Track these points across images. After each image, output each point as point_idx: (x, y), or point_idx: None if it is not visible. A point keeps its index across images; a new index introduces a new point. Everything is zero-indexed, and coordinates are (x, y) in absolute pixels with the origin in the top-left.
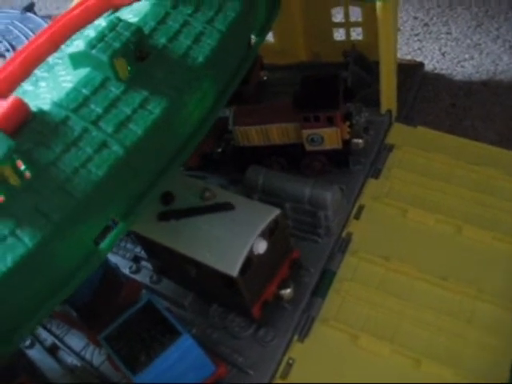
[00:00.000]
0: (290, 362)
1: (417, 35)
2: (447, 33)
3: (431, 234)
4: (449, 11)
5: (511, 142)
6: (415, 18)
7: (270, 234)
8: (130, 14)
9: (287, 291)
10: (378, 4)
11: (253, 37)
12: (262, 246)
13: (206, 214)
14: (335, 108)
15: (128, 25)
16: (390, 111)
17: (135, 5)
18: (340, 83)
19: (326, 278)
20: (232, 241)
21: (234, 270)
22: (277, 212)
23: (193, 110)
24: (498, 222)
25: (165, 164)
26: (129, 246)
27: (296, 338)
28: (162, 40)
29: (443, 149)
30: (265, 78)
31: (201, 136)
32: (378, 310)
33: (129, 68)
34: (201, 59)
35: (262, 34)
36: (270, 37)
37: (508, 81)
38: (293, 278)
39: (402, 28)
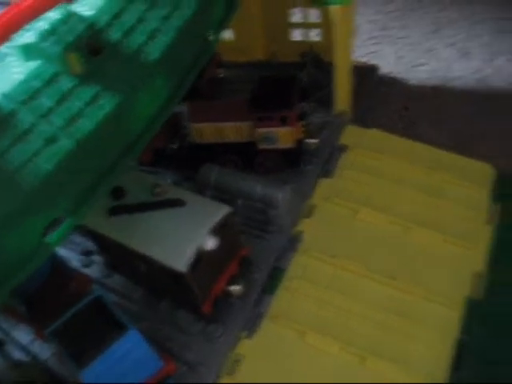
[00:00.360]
0: (238, 358)
1: (374, 38)
2: (404, 37)
3: (381, 235)
4: (406, 16)
5: (462, 147)
6: (373, 21)
7: (219, 231)
8: (85, 7)
9: (236, 288)
10: (333, 7)
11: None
12: (211, 243)
13: (156, 210)
14: (289, 108)
15: (82, 18)
16: (343, 112)
17: None
18: (296, 84)
19: (275, 276)
20: (182, 237)
21: (183, 266)
22: (227, 210)
23: (146, 105)
24: (445, 224)
25: (116, 159)
26: (80, 239)
27: (244, 334)
28: (117, 35)
29: (395, 151)
30: (221, 75)
31: (153, 132)
32: (327, 308)
33: (81, 62)
34: (155, 55)
35: (218, 32)
36: (230, 34)
37: (460, 87)
38: (243, 275)
39: (359, 31)
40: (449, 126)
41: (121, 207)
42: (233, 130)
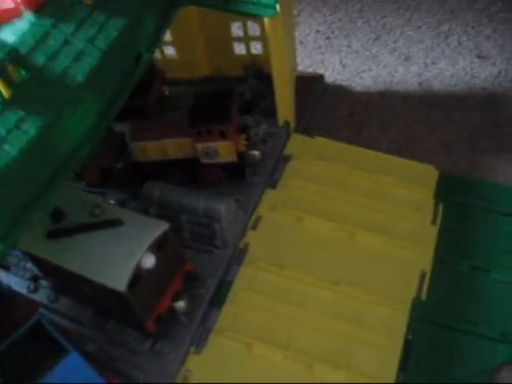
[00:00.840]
0: (187, 373)
1: (319, 48)
2: (348, 46)
3: (326, 241)
4: (349, 25)
5: (405, 150)
6: (318, 31)
7: (158, 248)
8: (9, 33)
9: (180, 304)
10: (266, 20)
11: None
12: (149, 261)
13: (95, 231)
14: (227, 122)
15: (3, 44)
16: (287, 122)
17: (16, 23)
18: (233, 97)
19: (222, 289)
20: (119, 256)
21: (121, 285)
22: (165, 226)
23: (73, 128)
24: (390, 226)
25: (46, 182)
26: (28, 265)
27: (193, 349)
28: (41, 59)
29: (340, 158)
30: (167, 92)
31: (84, 153)
32: (273, 318)
33: (4, 88)
34: (80, 78)
35: (151, 49)
36: (172, 51)
37: (403, 91)
38: (188, 291)
39: (304, 41)
40: (393, 130)
41: (58, 230)
42: (174, 147)
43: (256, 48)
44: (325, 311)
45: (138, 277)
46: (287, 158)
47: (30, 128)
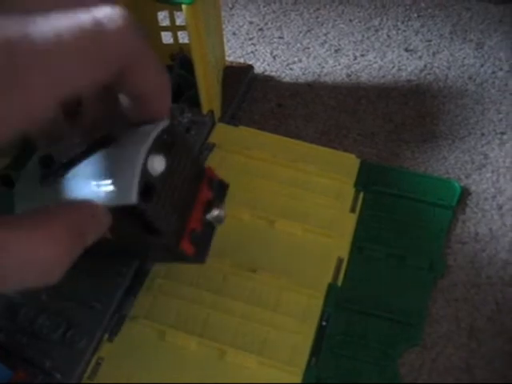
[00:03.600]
0: (99, 361)
1: (251, 39)
2: (280, 37)
3: (245, 229)
4: (283, 17)
5: (330, 140)
6: (251, 22)
7: (168, 149)
8: None
9: (215, 213)
10: (184, 7)
11: None
12: (158, 164)
13: (88, 157)
14: None
15: None
16: (212, 112)
17: None
18: None
19: (139, 277)
20: (122, 168)
21: (131, 196)
22: (165, 123)
23: None
24: (310, 214)
25: None
26: None
27: (106, 337)
28: None
29: (263, 147)
30: None
31: None
32: (190, 306)
33: None
34: None
35: None
36: None
37: (331, 82)
38: (218, 198)
39: (237, 32)
40: (318, 120)
41: (51, 171)
42: None
43: (184, 37)
44: (242, 299)
45: (152, 186)
46: (211, 147)
47: None
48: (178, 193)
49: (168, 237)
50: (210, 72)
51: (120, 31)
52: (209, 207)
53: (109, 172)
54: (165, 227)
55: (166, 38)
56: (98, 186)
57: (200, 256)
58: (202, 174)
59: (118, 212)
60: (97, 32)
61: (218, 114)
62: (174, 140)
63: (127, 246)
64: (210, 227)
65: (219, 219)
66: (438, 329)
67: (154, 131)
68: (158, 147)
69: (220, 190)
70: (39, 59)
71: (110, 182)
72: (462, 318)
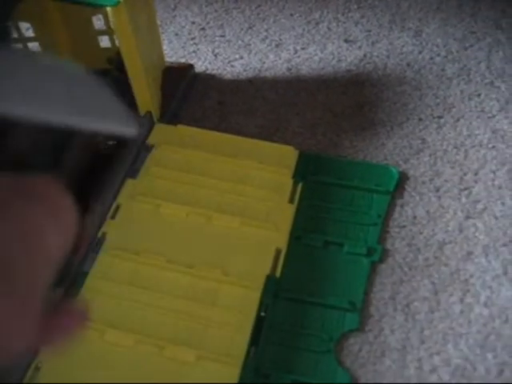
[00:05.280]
0: (39, 365)
1: (193, 39)
2: (221, 35)
3: (182, 226)
4: (225, 15)
5: (271, 134)
6: (193, 22)
7: None
8: None
9: None
10: (109, 10)
11: None
12: None
13: None
14: None
15: None
16: (149, 112)
17: None
18: None
19: (77, 280)
20: None
21: None
22: None
23: None
24: (248, 208)
25: None
26: None
27: None
28: None
29: (202, 145)
30: None
31: None
32: (127, 305)
33: None
34: None
35: None
36: (37, 47)
37: (272, 76)
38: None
39: (179, 33)
40: (259, 115)
41: None
42: None
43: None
44: (180, 295)
45: None
46: (150, 148)
47: None
48: None
49: None
50: (144, 73)
51: None
52: None
53: None
54: None
55: (105, 42)
56: None
57: None
58: None
59: None
60: None
61: (156, 114)
62: None
63: None
64: None
65: None
66: (375, 312)
67: None
68: None
69: None
70: None
71: None
72: (399, 301)
